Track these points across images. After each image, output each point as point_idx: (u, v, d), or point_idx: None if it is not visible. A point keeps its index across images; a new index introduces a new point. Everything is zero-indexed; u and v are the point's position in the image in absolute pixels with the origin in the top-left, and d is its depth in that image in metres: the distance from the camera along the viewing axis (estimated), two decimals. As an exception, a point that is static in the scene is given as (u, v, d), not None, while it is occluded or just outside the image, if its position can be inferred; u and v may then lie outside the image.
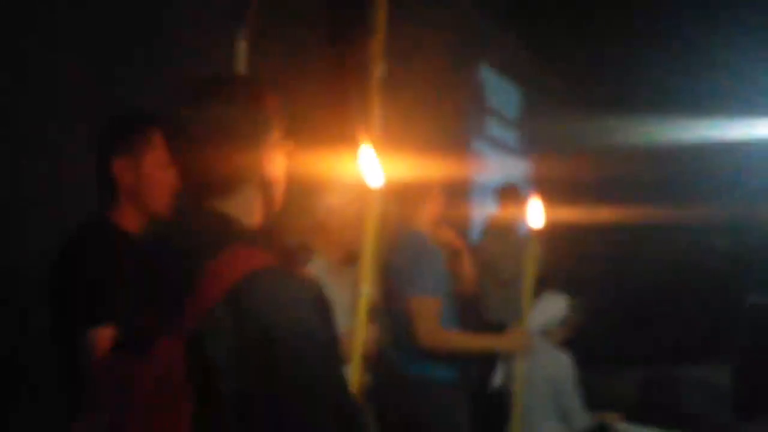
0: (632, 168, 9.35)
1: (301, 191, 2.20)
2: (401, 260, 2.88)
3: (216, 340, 1.13)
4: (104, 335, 1.54)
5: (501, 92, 7.87)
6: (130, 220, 1.92)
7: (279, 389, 1.11)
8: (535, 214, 2.93)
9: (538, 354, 3.74)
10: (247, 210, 1.33)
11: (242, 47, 2.23)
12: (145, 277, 1.32)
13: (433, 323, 2.80)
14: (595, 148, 9.11)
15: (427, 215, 3.06)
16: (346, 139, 4.10)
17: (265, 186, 1.36)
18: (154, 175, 1.91)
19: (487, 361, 3.95)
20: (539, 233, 2.94)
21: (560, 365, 3.77)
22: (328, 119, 4.39)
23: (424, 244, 2.97)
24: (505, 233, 4.84)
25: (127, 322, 1.32)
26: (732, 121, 9.28)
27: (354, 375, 1.72)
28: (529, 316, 3.86)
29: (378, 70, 1.99)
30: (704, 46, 7.92)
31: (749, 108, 8.99)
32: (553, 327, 3.94)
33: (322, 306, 1.21)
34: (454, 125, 6.41)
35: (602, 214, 7.67)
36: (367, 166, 1.69)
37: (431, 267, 2.88)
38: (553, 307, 3.98)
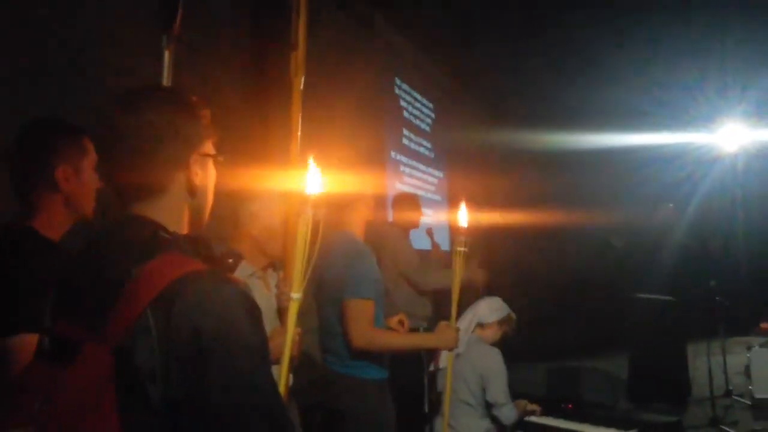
0: (539, 176, 9.60)
1: (227, 200, 2.15)
2: (335, 264, 2.86)
3: (144, 347, 1.07)
4: (26, 343, 1.46)
5: (415, 105, 7.96)
6: (51, 226, 1.84)
7: (209, 393, 1.07)
8: (462, 219, 2.97)
9: (470, 350, 3.78)
10: (176, 217, 1.29)
11: (168, 59, 2.17)
12: (71, 284, 1.26)
13: (367, 324, 2.78)
14: (504, 158, 9.33)
15: (358, 220, 3.04)
16: (268, 149, 4.07)
17: (194, 194, 1.32)
18: (92, 181, 1.88)
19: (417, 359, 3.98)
20: (466, 237, 2.98)
21: (490, 360, 3.81)
22: (251, 130, 4.33)
23: (357, 247, 2.95)
24: (402, 237, 4.87)
25: (50, 329, 1.25)
26: (631, 132, 9.63)
27: (282, 377, 1.69)
28: (466, 314, 3.92)
29: (299, 82, 1.97)
30: (607, 64, 8.21)
31: (647, 120, 9.34)
32: (488, 325, 3.99)
33: (250, 310, 1.17)
34: (373, 137, 6.43)
35: (511, 220, 7.84)
36: (293, 176, 1.67)
37: (364, 270, 2.86)
38: (491, 309, 4.03)
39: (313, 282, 2.92)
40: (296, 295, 1.69)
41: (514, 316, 4.09)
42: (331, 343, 2.91)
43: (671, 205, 9.83)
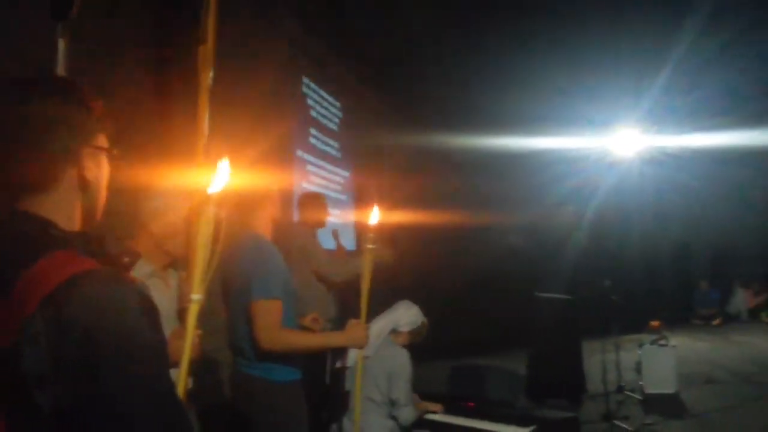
0: (445, 177, 9.76)
1: (126, 196, 2.08)
2: (241, 264, 2.80)
3: (33, 350, 1.01)
4: None
5: (323, 105, 7.94)
6: None
7: (103, 399, 1.02)
8: (374, 218, 2.97)
9: (380, 350, 3.79)
10: (67, 213, 1.23)
11: (63, 48, 2.07)
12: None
13: (274, 324, 2.73)
14: (411, 159, 9.43)
15: (265, 219, 2.99)
16: (171, 144, 3.96)
17: (86, 189, 1.26)
18: None
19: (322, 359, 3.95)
20: (376, 236, 2.99)
21: (399, 360, 3.84)
22: (155, 125, 4.20)
23: (264, 247, 2.90)
24: (311, 236, 4.86)
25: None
26: (534, 136, 9.91)
27: (181, 380, 1.64)
28: (382, 317, 3.92)
29: (207, 78, 1.92)
30: (512, 69, 8.43)
31: (549, 124, 9.64)
32: (402, 333, 4.02)
33: (148, 311, 1.12)
34: (280, 135, 6.36)
35: (417, 219, 7.93)
36: (197, 173, 1.62)
37: (271, 269, 2.81)
38: (408, 318, 4.06)
39: (219, 282, 2.85)
40: (196, 296, 1.64)
41: (427, 323, 4.15)
42: (239, 344, 2.85)
43: (571, 207, 10.19)
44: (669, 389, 7.17)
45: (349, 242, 8.08)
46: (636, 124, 9.10)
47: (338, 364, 3.94)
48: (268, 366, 2.80)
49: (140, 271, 2.29)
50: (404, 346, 3.99)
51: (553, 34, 8.02)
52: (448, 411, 4.14)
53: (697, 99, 10.26)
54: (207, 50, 1.93)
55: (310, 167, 7.36)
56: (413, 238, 8.40)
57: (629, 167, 9.90)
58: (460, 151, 9.82)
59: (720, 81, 10.01)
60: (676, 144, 10.81)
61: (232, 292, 2.87)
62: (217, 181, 1.64)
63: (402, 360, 3.84)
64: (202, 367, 2.42)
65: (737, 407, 6.77)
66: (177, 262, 2.54)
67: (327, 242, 5.27)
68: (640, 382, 7.24)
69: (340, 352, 3.93)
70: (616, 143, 9.22)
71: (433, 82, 9.09)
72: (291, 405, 2.87)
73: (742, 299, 13.90)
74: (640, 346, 7.53)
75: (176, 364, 1.62)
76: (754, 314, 13.64)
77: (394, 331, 4.02)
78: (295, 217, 5.10)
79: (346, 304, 4.57)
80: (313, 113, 7.66)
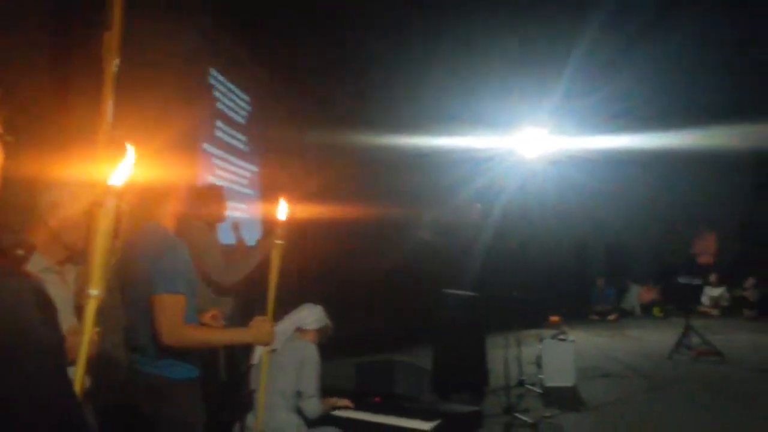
0: (356, 174, 9.78)
1: (22, 186, 1.99)
2: (143, 258, 2.72)
3: None
4: None
5: (231, 97, 7.81)
6: None
7: None
8: (281, 213, 2.94)
9: (287, 344, 3.76)
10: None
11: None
12: None
13: (178, 320, 2.67)
14: (321, 155, 9.40)
15: (169, 213, 2.91)
16: (72, 133, 3.81)
17: (-24, 180, 1.20)
18: None
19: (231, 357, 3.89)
20: (284, 231, 2.96)
21: (308, 351, 3.83)
22: (52, 112, 4.03)
23: (168, 240, 2.82)
24: (206, 233, 4.79)
25: None
26: (443, 135, 10.05)
27: (78, 377, 1.58)
28: (286, 319, 3.90)
29: (112, 65, 1.85)
30: (422, 68, 8.54)
31: (458, 123, 9.81)
32: (308, 332, 4.01)
33: (43, 306, 1.07)
34: (185, 127, 6.22)
35: (326, 215, 7.91)
36: (99, 163, 1.57)
37: (175, 264, 2.75)
38: (312, 317, 4.06)
39: (119, 277, 2.77)
40: (94, 291, 1.58)
41: (332, 325, 4.18)
42: (138, 341, 2.77)
43: (479, 205, 10.41)
44: (567, 382, 7.43)
45: (254, 237, 7.99)
46: (541, 125, 9.37)
47: (244, 363, 3.89)
48: (167, 363, 2.75)
49: (36, 265, 2.20)
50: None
51: (461, 34, 8.18)
52: (356, 406, 4.17)
53: (594, 102, 10.70)
54: (112, 37, 1.87)
55: (216, 161, 7.23)
56: (323, 234, 8.38)
57: (533, 167, 10.19)
58: (372, 148, 9.87)
59: (616, 85, 10.47)
60: (578, 145, 11.23)
61: (133, 287, 2.79)
62: (119, 172, 1.59)
63: (311, 351, 3.85)
64: (100, 365, 2.34)
65: (631, 399, 7.09)
66: (76, 257, 2.45)
67: (227, 236, 5.18)
68: (540, 376, 7.49)
69: (244, 349, 3.88)
70: (522, 144, 9.46)
71: (344, 78, 9.10)
72: (190, 403, 2.83)
73: (635, 296, 14.56)
74: (541, 340, 7.78)
75: (73, 362, 1.56)
76: (646, 310, 14.32)
77: (300, 329, 4.02)
78: (194, 209, 4.99)
79: (251, 300, 4.53)
80: (221, 106, 7.53)
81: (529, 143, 9.42)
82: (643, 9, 9.09)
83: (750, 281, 14.04)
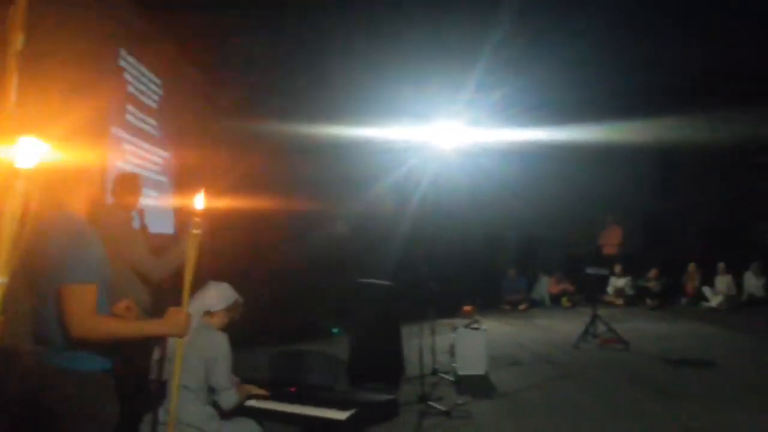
0: (273, 163, 9.68)
1: None
2: (52, 246, 2.60)
3: None
4: None
5: (142, 81, 7.59)
6: None
7: None
8: (198, 202, 2.88)
9: (196, 335, 3.67)
10: None
11: None
12: None
13: (88, 311, 2.56)
14: (237, 142, 9.25)
15: (81, 199, 2.80)
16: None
17: None
18: None
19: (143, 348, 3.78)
20: (200, 222, 2.90)
21: (216, 344, 3.75)
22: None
23: (80, 228, 2.71)
24: (126, 222, 4.67)
25: None
26: (362, 126, 10.06)
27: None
28: (192, 302, 3.79)
29: (16, 41, 1.76)
30: (338, 60, 8.52)
31: (377, 114, 9.83)
32: (216, 313, 3.92)
33: None
34: (94, 110, 6.00)
35: (242, 205, 7.81)
36: (3, 144, 1.49)
37: (86, 252, 2.64)
38: (219, 296, 3.96)
39: (27, 265, 2.64)
40: (0, 279, 1.52)
41: (241, 300, 4.08)
42: (46, 332, 2.66)
43: (395, 196, 10.48)
44: (479, 370, 7.60)
45: (167, 225, 7.81)
46: (456, 117, 9.51)
47: (156, 355, 3.79)
48: (76, 355, 2.65)
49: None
50: (222, 329, 3.92)
51: (379, 25, 8.20)
52: (270, 397, 4.13)
53: (507, 95, 10.94)
54: (17, 12, 1.79)
55: (126, 145, 7.01)
56: (239, 226, 8.27)
57: (448, 159, 10.33)
58: (290, 138, 9.79)
59: (527, 79, 10.73)
60: (492, 138, 11.46)
61: (42, 276, 2.67)
62: (26, 154, 1.52)
63: (220, 344, 3.77)
64: (4, 356, 2.24)
65: (539, 386, 7.32)
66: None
67: (159, 226, 5.07)
68: (454, 365, 7.63)
69: (159, 341, 3.78)
70: (438, 136, 9.57)
71: (262, 66, 8.97)
72: (100, 396, 2.74)
73: (545, 286, 15.01)
74: (454, 330, 7.93)
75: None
76: (555, 300, 14.78)
77: (208, 313, 3.93)
78: (109, 198, 4.85)
79: (165, 290, 4.43)
80: (131, 89, 7.30)
81: (445, 135, 9.55)
82: (551, 5, 9.33)
83: (653, 272, 14.71)
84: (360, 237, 10.15)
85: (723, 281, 14.29)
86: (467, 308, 11.41)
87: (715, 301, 13.99)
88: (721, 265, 14.35)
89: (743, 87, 13.15)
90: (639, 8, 9.68)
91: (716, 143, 15.03)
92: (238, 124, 9.23)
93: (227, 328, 3.98)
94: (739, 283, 14.52)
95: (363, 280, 7.74)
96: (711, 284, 14.39)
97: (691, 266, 14.84)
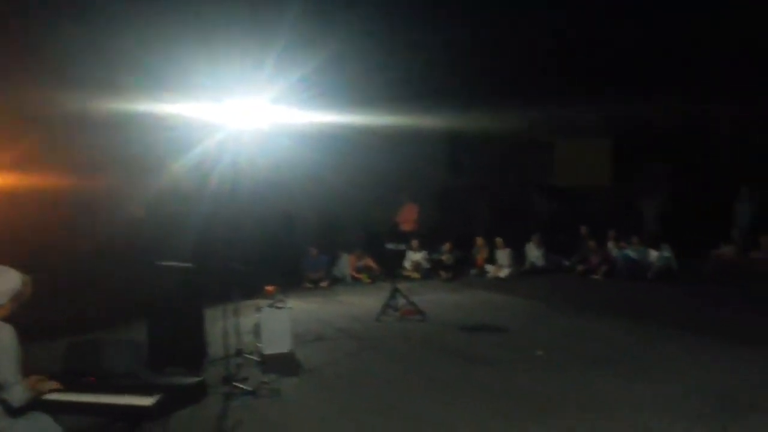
0: (64, 139, 9.06)
1: None
2: None
3: None
4: None
5: None
6: None
7: None
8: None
9: None
10: None
11: None
12: None
13: None
14: (26, 116, 8.55)
15: None
16: None
17: None
18: None
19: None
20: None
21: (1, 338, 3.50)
22: None
23: None
24: None
25: None
26: (167, 103, 9.64)
27: None
28: None
29: None
30: (150, 32, 8.13)
31: (185, 91, 9.47)
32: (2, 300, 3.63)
33: None
34: None
35: (32, 185, 7.27)
36: None
37: None
38: (2, 283, 3.67)
39: None
40: None
41: (28, 279, 3.82)
42: None
43: (196, 176, 10.20)
44: (284, 348, 7.68)
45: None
46: (256, 96, 9.42)
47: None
48: None
49: None
50: (6, 319, 3.66)
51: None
52: (68, 388, 3.93)
53: (307, 77, 11.03)
54: None
55: None
56: (28, 207, 7.67)
57: (249, 139, 10.22)
58: (79, 113, 9.18)
59: (325, 61, 10.91)
60: (294, 119, 11.48)
61: None
62: None
63: (4, 337, 3.53)
64: None
65: (344, 359, 7.56)
66: None
67: None
68: (259, 344, 7.64)
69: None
70: (240, 114, 9.44)
71: (56, 36, 8.34)
72: None
73: (346, 263, 15.36)
74: (258, 310, 7.93)
75: None
76: (356, 276, 15.20)
77: None
78: None
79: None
80: None
81: (245, 114, 9.44)
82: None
83: (446, 246, 15.61)
84: (158, 218, 9.79)
85: (503, 254, 15.50)
86: (269, 288, 11.37)
87: (500, 272, 15.13)
88: (498, 240, 15.57)
89: (519, 80, 14.52)
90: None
91: (499, 127, 16.32)
92: (28, 96, 8.51)
93: (12, 319, 3.72)
94: (521, 254, 15.84)
95: (161, 262, 7.50)
96: (495, 258, 15.59)
97: (480, 240, 15.95)
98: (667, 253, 14.36)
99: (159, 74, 9.04)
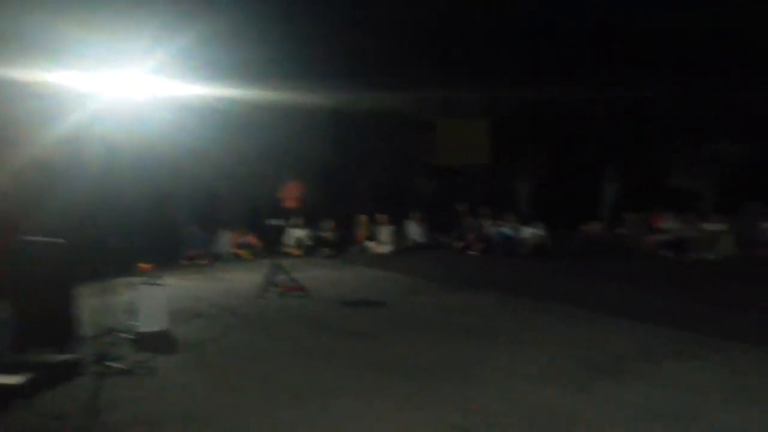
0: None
1: None
2: None
3: None
4: None
5: None
6: None
7: None
8: None
9: None
10: None
11: None
12: None
13: None
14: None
15: None
16: None
17: None
18: None
19: None
20: None
21: None
22: None
23: None
24: None
25: None
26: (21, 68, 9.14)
27: None
28: None
29: None
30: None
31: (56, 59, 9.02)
32: None
33: None
34: None
35: None
36: None
37: None
38: None
39: None
40: None
41: None
42: None
43: (62, 147, 9.75)
44: (160, 326, 7.54)
45: None
46: (135, 66, 9.12)
47: None
48: None
49: None
50: None
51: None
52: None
53: (187, 47, 10.77)
54: None
55: None
56: None
57: (127, 110, 9.89)
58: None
59: (205, 33, 10.69)
60: (171, 91, 11.18)
61: None
62: None
63: None
64: None
65: (223, 336, 7.52)
66: None
67: None
68: (133, 322, 7.46)
69: None
70: (115, 85, 9.12)
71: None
72: None
73: (226, 241, 15.17)
74: (133, 287, 7.74)
75: None
76: (237, 253, 15.05)
77: None
78: None
79: None
80: None
81: (122, 85, 9.14)
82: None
83: (328, 223, 15.72)
84: (25, 191, 9.30)
85: (385, 231, 15.81)
86: (144, 266, 11.10)
87: (381, 249, 15.41)
88: (380, 217, 15.88)
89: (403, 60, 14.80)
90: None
91: (383, 106, 16.55)
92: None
93: None
94: (402, 231, 16.20)
95: (28, 237, 7.17)
96: (376, 235, 15.88)
97: (362, 217, 16.17)
98: (540, 231, 15.07)
99: (24, 38, 8.58)
